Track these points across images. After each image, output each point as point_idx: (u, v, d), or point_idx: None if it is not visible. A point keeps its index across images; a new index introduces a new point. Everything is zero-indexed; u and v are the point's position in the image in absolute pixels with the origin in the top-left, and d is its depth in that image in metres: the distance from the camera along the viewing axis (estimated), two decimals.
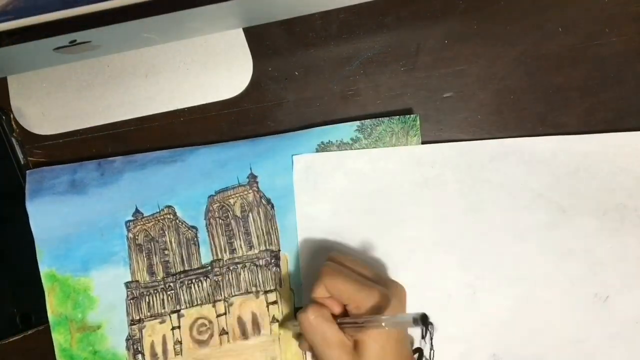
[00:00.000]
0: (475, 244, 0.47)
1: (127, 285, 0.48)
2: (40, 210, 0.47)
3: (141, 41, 0.46)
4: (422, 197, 0.47)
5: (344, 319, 0.41)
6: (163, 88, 0.48)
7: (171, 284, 0.48)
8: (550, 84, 0.48)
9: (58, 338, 0.47)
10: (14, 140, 0.48)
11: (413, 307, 0.46)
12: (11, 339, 0.47)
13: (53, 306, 0.47)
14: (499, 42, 0.49)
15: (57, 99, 0.48)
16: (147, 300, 0.48)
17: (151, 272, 0.48)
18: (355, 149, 0.47)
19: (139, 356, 0.47)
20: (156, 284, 0.48)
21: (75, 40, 0.39)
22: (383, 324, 0.37)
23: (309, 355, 0.47)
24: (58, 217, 0.47)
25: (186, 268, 0.48)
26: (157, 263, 0.48)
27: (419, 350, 0.44)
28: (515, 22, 0.48)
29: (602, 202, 0.47)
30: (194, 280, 0.48)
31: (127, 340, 0.47)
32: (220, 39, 0.48)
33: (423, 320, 0.34)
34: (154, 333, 0.47)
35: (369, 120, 0.47)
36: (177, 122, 0.49)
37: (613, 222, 0.47)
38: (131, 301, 0.48)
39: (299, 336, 0.46)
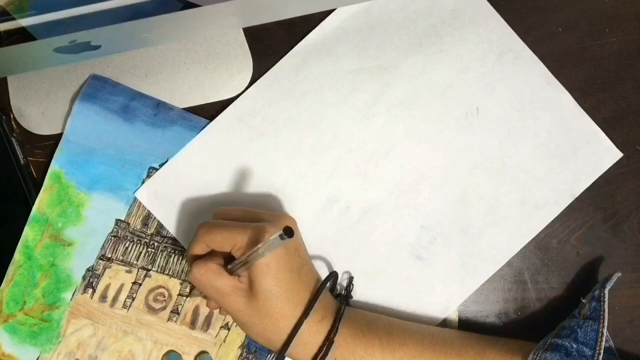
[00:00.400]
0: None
1: (118, 222, 0.48)
2: (84, 115, 0.47)
3: (141, 41, 0.46)
4: (266, 147, 0.48)
5: (230, 264, 0.41)
6: (163, 88, 0.48)
7: (155, 243, 0.48)
8: None
9: (28, 234, 0.47)
10: (14, 140, 0.48)
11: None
12: None
13: (42, 203, 0.47)
14: None
15: (57, 99, 0.48)
16: (126, 245, 0.48)
17: (145, 223, 0.48)
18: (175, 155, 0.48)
19: (89, 290, 0.47)
20: (143, 235, 0.48)
21: (75, 40, 0.39)
22: (260, 251, 0.38)
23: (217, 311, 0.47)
24: (96, 129, 0.48)
25: (177, 237, 0.48)
26: (153, 218, 0.48)
27: (333, 274, 0.44)
28: (515, 22, 0.48)
29: (414, 36, 0.47)
30: (177, 252, 0.48)
31: (87, 270, 0.47)
32: (220, 39, 0.48)
33: (287, 233, 0.36)
34: (115, 277, 0.47)
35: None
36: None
37: (433, 46, 0.47)
38: (112, 238, 0.47)
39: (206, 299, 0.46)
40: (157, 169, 0.48)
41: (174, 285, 0.47)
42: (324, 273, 0.47)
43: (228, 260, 0.41)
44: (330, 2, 0.47)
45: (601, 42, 0.49)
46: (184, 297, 0.47)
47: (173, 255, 0.48)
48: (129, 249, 0.48)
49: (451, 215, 0.47)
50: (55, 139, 0.48)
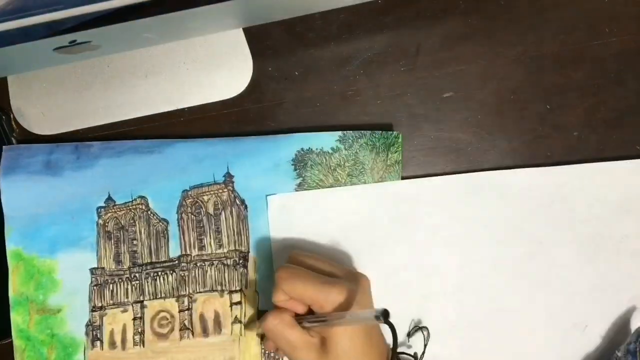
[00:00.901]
0: (452, 279, 0.47)
1: (92, 271, 0.47)
2: (13, 188, 0.47)
3: (141, 41, 0.46)
4: (397, 234, 0.47)
5: (307, 317, 0.40)
6: (163, 88, 0.48)
7: (137, 274, 0.47)
8: (550, 84, 0.48)
9: (17, 318, 0.47)
10: (14, 140, 0.48)
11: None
12: None
13: (15, 285, 0.47)
14: (499, 42, 0.49)
15: (57, 99, 0.48)
16: (111, 288, 0.47)
17: (118, 261, 0.48)
18: (328, 187, 0.47)
19: (97, 343, 0.47)
20: (122, 272, 0.47)
21: (75, 40, 0.39)
22: (347, 320, 0.37)
23: (272, 352, 0.47)
24: (30, 196, 0.47)
25: (153, 260, 0.48)
26: (124, 252, 0.48)
27: (415, 356, 0.44)
28: (515, 22, 0.48)
29: (577, 232, 0.47)
30: (160, 273, 0.47)
31: (87, 326, 0.47)
32: (220, 39, 0.48)
33: (384, 316, 0.34)
34: (115, 321, 0.47)
35: (351, 132, 0.47)
36: (177, 122, 0.49)
37: (589, 252, 0.47)
38: (95, 287, 0.47)
39: (263, 337, 0.46)
40: (104, 207, 0.47)
41: (172, 304, 0.47)
42: None
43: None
44: (330, 2, 0.47)
45: (601, 42, 0.48)
46: (185, 312, 0.47)
47: (158, 279, 0.47)
48: (114, 290, 0.47)
49: None
50: (55, 139, 0.48)
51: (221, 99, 0.48)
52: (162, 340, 0.47)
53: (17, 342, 0.47)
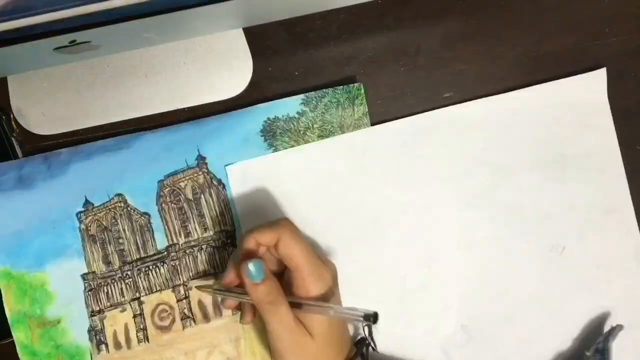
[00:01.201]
0: (420, 220, 0.47)
1: (84, 277, 0.47)
2: None
3: (141, 41, 0.46)
4: (360, 185, 0.47)
5: (292, 298, 0.40)
6: (163, 88, 0.48)
7: (128, 272, 0.47)
8: None
9: (19, 336, 0.47)
10: (14, 140, 0.48)
11: (370, 293, 0.47)
12: None
13: (11, 304, 0.47)
14: (499, 42, 0.49)
15: (57, 99, 0.48)
16: (105, 290, 0.47)
17: (107, 262, 0.47)
18: (286, 149, 0.47)
19: (103, 347, 0.47)
20: (113, 273, 0.47)
21: (75, 40, 0.39)
22: (331, 312, 0.37)
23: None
24: (7, 213, 0.47)
25: (142, 255, 0.48)
26: (112, 252, 0.48)
27: (363, 341, 0.44)
28: (515, 22, 0.48)
29: (540, 155, 0.47)
30: (151, 267, 0.47)
31: (89, 331, 0.47)
32: (220, 39, 0.48)
33: (374, 318, 0.34)
34: (116, 322, 0.47)
35: (313, 92, 0.47)
36: (177, 122, 0.49)
37: (555, 173, 0.47)
38: (89, 293, 0.47)
39: (220, 299, 0.45)
40: (84, 211, 0.47)
41: (169, 296, 0.47)
42: None
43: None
44: (330, 2, 0.47)
45: (601, 42, 0.48)
46: (183, 301, 0.47)
47: (150, 273, 0.47)
48: (110, 292, 0.47)
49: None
50: (55, 138, 0.48)
51: (221, 99, 0.48)
52: (165, 332, 0.47)
53: (23, 359, 0.47)
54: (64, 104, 0.48)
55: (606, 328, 0.46)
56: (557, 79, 0.48)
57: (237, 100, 0.48)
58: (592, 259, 0.47)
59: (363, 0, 0.47)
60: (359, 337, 0.45)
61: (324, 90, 0.47)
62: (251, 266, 0.39)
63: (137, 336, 0.47)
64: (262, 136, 0.47)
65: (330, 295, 0.40)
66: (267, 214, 0.47)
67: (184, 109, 0.48)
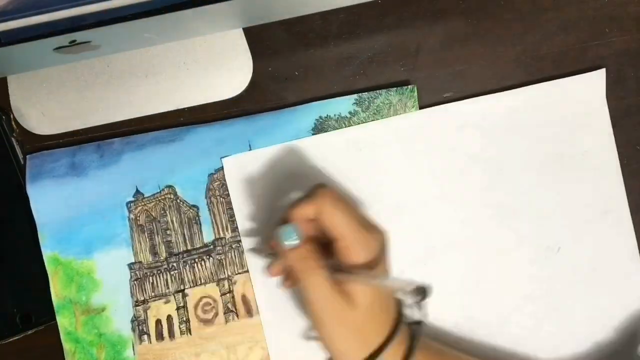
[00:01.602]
0: (417, 216, 0.47)
1: (131, 266, 0.48)
2: (41, 194, 0.47)
3: (141, 41, 0.46)
4: (357, 179, 0.47)
5: (334, 265, 0.38)
6: (163, 88, 0.48)
7: (174, 264, 0.48)
8: None
9: (63, 322, 0.47)
10: (14, 140, 0.48)
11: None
12: (11, 339, 0.47)
13: (57, 290, 0.47)
14: (499, 42, 0.49)
15: (57, 99, 0.48)
16: (150, 280, 0.48)
17: (154, 253, 0.48)
18: (282, 143, 0.47)
19: (145, 337, 0.47)
20: (159, 264, 0.48)
21: (75, 40, 0.39)
22: (373, 282, 0.36)
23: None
24: (59, 200, 0.47)
25: (189, 247, 0.48)
26: (159, 243, 0.48)
27: (419, 323, 0.42)
28: (515, 22, 0.48)
29: (537, 154, 0.47)
30: (197, 260, 0.48)
31: (132, 321, 0.47)
32: (220, 39, 0.48)
33: (424, 293, 0.31)
34: (159, 313, 0.47)
35: (366, 93, 0.47)
36: (177, 122, 0.49)
37: (552, 172, 0.47)
38: (135, 282, 0.47)
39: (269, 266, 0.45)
40: (134, 201, 0.48)
41: (213, 289, 0.47)
42: None
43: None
44: (330, 2, 0.47)
45: (601, 42, 0.48)
46: (227, 295, 0.47)
47: (195, 265, 0.48)
48: (155, 282, 0.48)
49: None
50: (55, 138, 0.48)
51: (221, 99, 0.48)
52: (208, 325, 0.47)
53: (66, 345, 0.47)
54: (64, 104, 0.48)
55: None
56: (557, 79, 0.48)
57: (237, 100, 0.48)
58: (588, 259, 0.47)
59: (363, 0, 0.47)
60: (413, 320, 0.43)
61: (378, 91, 0.47)
62: (284, 230, 0.38)
63: (180, 328, 0.47)
64: (313, 134, 0.48)
65: (375, 264, 0.38)
66: (262, 206, 0.47)
67: (184, 109, 0.49)
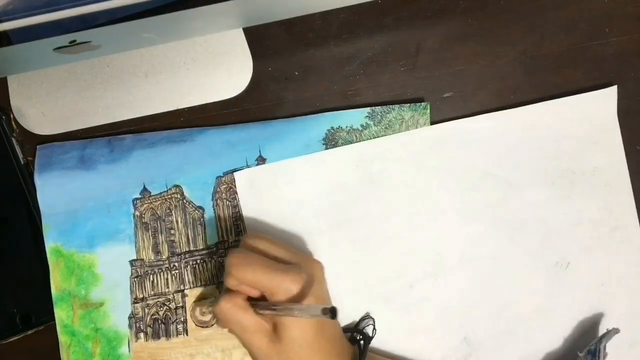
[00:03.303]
0: (427, 232, 0.47)
1: (132, 263, 0.47)
2: (48, 185, 0.47)
3: (141, 41, 0.46)
4: (368, 194, 0.47)
5: (259, 303, 0.40)
6: (163, 88, 0.48)
7: (176, 264, 0.48)
8: (550, 84, 0.48)
9: (60, 314, 0.47)
10: (14, 140, 0.48)
11: (374, 304, 0.47)
12: (11, 339, 0.47)
13: (57, 281, 0.47)
14: (499, 42, 0.49)
15: (57, 99, 0.48)
16: (151, 279, 0.48)
17: (156, 251, 0.48)
18: (294, 157, 0.47)
19: (141, 335, 0.47)
20: (161, 263, 0.48)
21: (75, 40, 0.39)
22: (296, 313, 0.37)
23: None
24: (65, 192, 0.47)
25: (191, 248, 0.48)
26: (162, 242, 0.48)
27: (357, 330, 0.44)
28: (515, 22, 0.48)
29: (548, 170, 0.47)
30: (199, 261, 0.48)
31: (129, 318, 0.47)
32: (220, 39, 0.48)
33: (332, 313, 0.34)
34: (157, 312, 0.47)
35: (379, 107, 0.47)
36: (177, 122, 0.49)
37: (562, 188, 0.47)
38: (135, 279, 0.47)
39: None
40: (140, 198, 0.47)
41: (213, 292, 0.47)
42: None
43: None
44: (330, 2, 0.47)
45: (601, 42, 0.49)
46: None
47: (197, 267, 0.48)
48: (155, 281, 0.47)
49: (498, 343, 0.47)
50: (55, 139, 0.48)
51: (221, 99, 0.48)
52: (205, 328, 0.47)
53: (62, 338, 0.47)
54: (64, 104, 0.48)
55: (602, 331, 0.46)
56: (557, 78, 0.48)
57: (237, 100, 0.48)
58: (597, 275, 0.47)
59: (363, 0, 0.47)
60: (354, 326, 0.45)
61: (391, 106, 0.47)
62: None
63: (177, 328, 0.47)
64: (323, 144, 0.47)
65: (302, 297, 0.39)
66: (273, 220, 0.47)
67: (184, 109, 0.49)
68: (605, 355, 0.41)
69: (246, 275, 0.40)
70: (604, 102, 0.47)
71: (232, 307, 0.40)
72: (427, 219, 0.47)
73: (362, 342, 0.44)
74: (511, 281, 0.47)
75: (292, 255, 0.42)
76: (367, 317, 0.46)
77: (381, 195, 0.47)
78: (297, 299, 0.39)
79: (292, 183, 0.47)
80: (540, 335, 0.47)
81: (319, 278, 0.42)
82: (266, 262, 0.41)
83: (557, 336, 0.47)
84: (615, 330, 0.43)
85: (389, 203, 0.47)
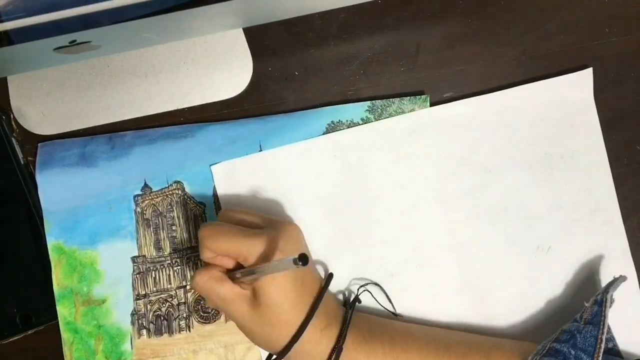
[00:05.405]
0: (407, 220, 0.47)
1: (134, 259, 0.48)
2: (50, 182, 0.47)
3: (141, 41, 0.46)
4: (347, 183, 0.47)
5: (236, 271, 0.40)
6: (163, 88, 0.48)
7: (178, 260, 0.48)
8: None
9: (63, 311, 0.47)
10: (14, 140, 0.48)
11: (356, 292, 0.47)
12: (11, 339, 0.47)
13: (59, 279, 0.47)
14: (499, 42, 0.49)
15: (57, 99, 0.48)
16: (153, 275, 0.48)
17: (158, 247, 0.48)
18: (272, 149, 0.47)
19: (144, 331, 0.47)
20: (163, 259, 0.48)
21: (75, 40, 0.39)
22: (268, 270, 0.37)
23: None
24: (67, 189, 0.47)
25: (193, 244, 0.48)
26: (164, 238, 0.48)
27: (330, 276, 0.45)
28: (515, 22, 0.48)
29: (527, 155, 0.47)
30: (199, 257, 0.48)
31: (132, 315, 0.47)
32: (220, 39, 0.48)
33: (302, 260, 0.34)
34: (160, 308, 0.47)
35: (379, 100, 0.47)
36: (177, 122, 0.49)
37: (541, 172, 0.47)
38: (137, 276, 0.47)
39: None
40: (141, 195, 0.48)
41: None
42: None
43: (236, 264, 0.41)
44: (330, 2, 0.47)
45: (601, 42, 0.48)
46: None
47: (198, 262, 0.48)
48: (157, 277, 0.48)
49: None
50: (55, 139, 0.48)
51: (221, 99, 0.48)
52: (208, 323, 0.47)
53: (65, 335, 0.47)
54: (64, 104, 0.48)
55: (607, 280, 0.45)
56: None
57: (237, 100, 0.48)
58: (578, 258, 0.47)
59: (363, 0, 0.47)
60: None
61: (391, 99, 0.47)
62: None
63: (179, 325, 0.47)
64: None
65: (272, 256, 0.39)
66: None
67: (184, 109, 0.49)
68: (612, 302, 0.41)
69: (219, 244, 0.40)
70: (579, 84, 0.47)
71: (208, 280, 0.40)
72: (406, 207, 0.47)
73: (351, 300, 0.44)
74: (492, 266, 0.47)
75: (266, 220, 0.43)
76: (368, 282, 0.47)
77: (360, 185, 0.47)
78: (269, 258, 0.39)
79: (269, 174, 0.47)
80: (522, 319, 0.47)
81: (292, 237, 0.42)
82: (237, 229, 0.41)
83: (538, 320, 0.47)
84: (623, 278, 0.43)
85: (368, 192, 0.47)
